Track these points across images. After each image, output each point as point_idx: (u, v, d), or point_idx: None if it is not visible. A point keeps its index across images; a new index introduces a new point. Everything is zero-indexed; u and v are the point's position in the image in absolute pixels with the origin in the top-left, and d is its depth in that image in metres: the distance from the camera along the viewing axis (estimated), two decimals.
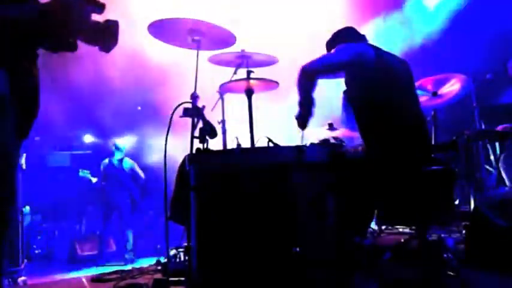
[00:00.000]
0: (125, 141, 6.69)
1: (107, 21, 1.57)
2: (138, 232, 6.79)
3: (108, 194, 6.23)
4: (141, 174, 6.53)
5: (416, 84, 3.11)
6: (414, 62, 2.63)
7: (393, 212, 2.45)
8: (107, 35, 1.56)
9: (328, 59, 2.43)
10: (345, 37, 2.58)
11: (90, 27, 1.51)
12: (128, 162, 6.48)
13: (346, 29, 2.67)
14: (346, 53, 2.38)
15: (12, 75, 1.38)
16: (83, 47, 1.57)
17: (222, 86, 3.15)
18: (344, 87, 2.69)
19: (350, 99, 2.48)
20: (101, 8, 1.53)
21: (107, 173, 6.34)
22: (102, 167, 6.45)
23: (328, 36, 2.69)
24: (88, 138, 7.93)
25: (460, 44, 5.21)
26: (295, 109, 2.41)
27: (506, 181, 3.70)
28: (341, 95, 2.76)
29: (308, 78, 2.35)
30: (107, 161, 6.47)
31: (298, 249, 1.85)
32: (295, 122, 2.44)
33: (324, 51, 2.65)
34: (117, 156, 6.42)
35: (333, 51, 2.50)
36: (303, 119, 2.38)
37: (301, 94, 2.36)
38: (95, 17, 1.55)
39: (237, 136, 3.06)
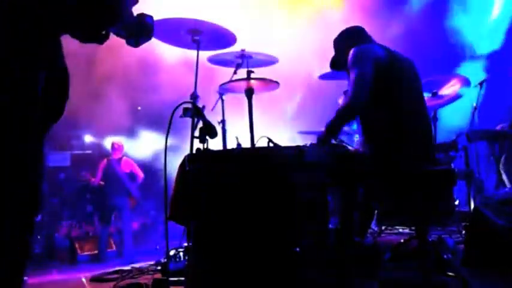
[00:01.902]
0: (124, 141, 6.67)
1: (141, 15, 1.48)
2: (138, 232, 6.78)
3: (107, 193, 6.22)
4: (141, 173, 6.53)
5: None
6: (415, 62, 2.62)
7: (393, 212, 2.45)
8: (140, 31, 1.48)
9: (362, 80, 2.27)
10: (355, 38, 2.54)
11: (127, 20, 1.43)
12: (127, 162, 6.47)
13: (355, 29, 2.63)
14: (368, 64, 2.30)
15: (51, 75, 1.31)
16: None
17: (222, 86, 3.15)
18: (344, 88, 2.69)
19: None
20: (136, 0, 1.46)
21: (106, 172, 6.33)
22: (101, 166, 6.44)
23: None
24: (88, 138, 7.92)
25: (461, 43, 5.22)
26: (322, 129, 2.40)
27: (507, 183, 3.69)
28: (341, 95, 2.76)
29: (353, 114, 2.36)
30: (105, 160, 6.47)
31: (298, 249, 1.85)
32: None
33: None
34: (116, 156, 6.41)
35: (352, 68, 2.34)
36: (323, 142, 2.37)
37: (336, 123, 2.34)
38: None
39: (237, 136, 3.06)
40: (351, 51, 2.35)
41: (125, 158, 6.49)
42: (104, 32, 1.41)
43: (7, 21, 1.23)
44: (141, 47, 1.59)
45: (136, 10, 1.56)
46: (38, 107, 1.32)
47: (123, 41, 1.56)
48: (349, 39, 2.56)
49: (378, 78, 2.27)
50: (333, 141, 3.12)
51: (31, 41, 1.28)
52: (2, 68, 1.23)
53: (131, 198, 6.30)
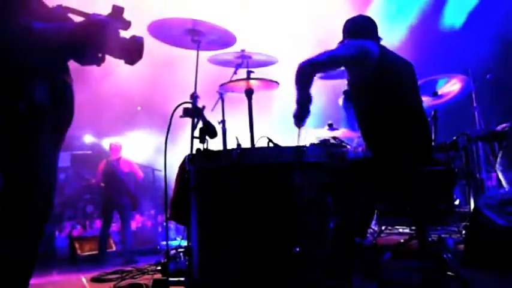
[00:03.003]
0: (123, 141, 6.65)
1: (133, 37, 1.68)
2: (138, 232, 6.77)
3: (107, 194, 6.21)
4: (140, 173, 6.52)
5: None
6: (414, 61, 2.62)
7: (393, 212, 2.45)
8: (132, 51, 1.68)
9: (331, 53, 2.32)
10: (358, 29, 2.55)
11: (118, 43, 1.63)
12: (126, 162, 6.47)
13: (364, 20, 2.62)
14: (351, 48, 2.32)
15: (53, 87, 1.50)
16: None
17: (222, 86, 3.15)
18: (344, 87, 2.69)
19: (352, 98, 2.47)
20: (127, 25, 1.65)
21: (106, 173, 6.33)
22: (100, 168, 6.45)
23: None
24: (88, 138, 7.92)
25: (461, 44, 5.22)
26: (292, 106, 2.38)
27: (503, 183, 3.69)
28: (341, 95, 2.76)
29: (308, 70, 2.29)
30: (105, 161, 6.47)
31: (298, 249, 1.85)
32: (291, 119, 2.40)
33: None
34: (115, 156, 6.41)
35: (337, 45, 2.44)
36: (299, 117, 2.33)
37: (298, 90, 2.29)
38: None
39: (237, 136, 3.06)
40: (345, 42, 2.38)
41: (123, 158, 6.48)
42: (100, 55, 1.63)
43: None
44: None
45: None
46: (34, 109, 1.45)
47: None
48: (354, 28, 2.57)
49: (365, 76, 2.29)
50: (333, 141, 3.13)
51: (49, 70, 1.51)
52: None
53: (131, 198, 6.29)
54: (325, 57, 2.28)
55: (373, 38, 2.49)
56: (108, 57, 1.69)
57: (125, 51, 1.67)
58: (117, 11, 1.62)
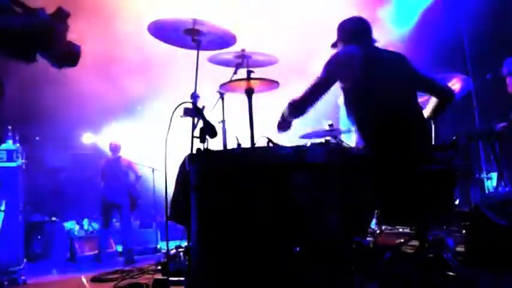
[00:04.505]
0: (121, 141, 6.65)
1: (70, 43, 1.58)
2: (138, 232, 6.78)
3: (107, 193, 6.22)
4: (139, 172, 6.53)
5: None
6: (414, 61, 2.62)
7: (393, 211, 2.45)
8: (66, 57, 1.57)
9: (312, 87, 2.39)
10: (349, 33, 2.59)
11: (60, 47, 1.53)
12: (125, 161, 6.47)
13: (354, 23, 2.64)
14: (324, 71, 2.39)
15: None
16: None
17: (222, 86, 3.15)
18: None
19: (347, 102, 2.48)
20: (66, 30, 1.55)
21: (105, 172, 6.34)
22: (100, 166, 6.46)
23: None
24: (87, 138, 7.93)
25: (461, 44, 5.22)
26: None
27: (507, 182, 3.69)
28: (341, 94, 2.76)
29: (297, 113, 2.45)
30: (104, 160, 6.48)
31: (298, 249, 1.85)
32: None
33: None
34: (114, 155, 6.42)
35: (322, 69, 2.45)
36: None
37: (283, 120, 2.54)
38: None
39: (237, 136, 3.06)
40: (329, 56, 2.42)
41: (123, 157, 6.48)
42: (31, 54, 1.51)
43: None
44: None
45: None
46: None
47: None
48: (343, 32, 2.62)
49: (353, 80, 2.33)
50: (333, 141, 3.13)
51: None
52: None
53: (131, 197, 6.29)
54: (307, 96, 2.39)
55: (359, 42, 2.50)
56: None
57: (60, 56, 1.56)
58: (63, 14, 1.52)
